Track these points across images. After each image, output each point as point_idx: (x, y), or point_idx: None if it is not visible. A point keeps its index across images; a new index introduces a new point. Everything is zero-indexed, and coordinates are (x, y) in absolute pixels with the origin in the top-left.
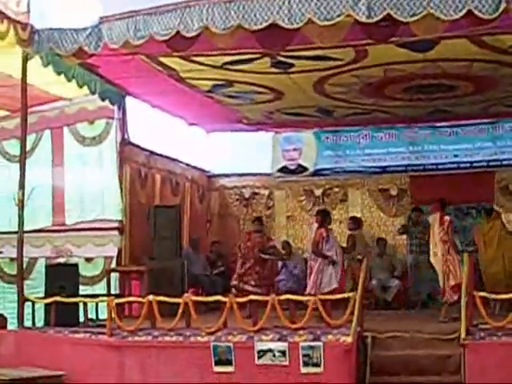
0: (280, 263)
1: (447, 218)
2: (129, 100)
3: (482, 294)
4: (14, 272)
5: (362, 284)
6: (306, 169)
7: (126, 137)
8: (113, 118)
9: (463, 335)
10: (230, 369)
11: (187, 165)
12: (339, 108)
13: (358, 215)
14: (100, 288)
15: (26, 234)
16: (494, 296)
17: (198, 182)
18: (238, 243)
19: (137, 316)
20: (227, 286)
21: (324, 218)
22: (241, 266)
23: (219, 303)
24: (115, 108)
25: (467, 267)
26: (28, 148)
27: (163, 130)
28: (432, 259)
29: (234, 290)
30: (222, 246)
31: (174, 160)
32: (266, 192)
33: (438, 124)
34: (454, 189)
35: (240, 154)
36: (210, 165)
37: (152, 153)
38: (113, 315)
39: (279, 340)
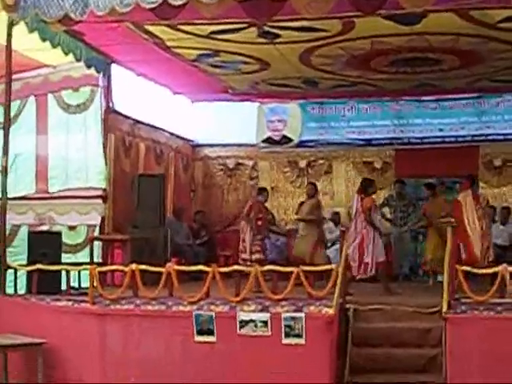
0: None
1: (480, 193)
2: (114, 68)
3: (465, 268)
4: None
5: (344, 256)
6: (290, 140)
7: (110, 105)
8: (98, 86)
9: (445, 309)
10: (211, 338)
11: (171, 134)
12: (325, 80)
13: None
14: (83, 256)
15: (9, 201)
16: (476, 270)
17: (182, 151)
18: (242, 214)
19: (119, 285)
20: (210, 255)
21: (370, 186)
22: (252, 238)
23: (202, 273)
24: (100, 76)
25: (450, 241)
26: (12, 114)
27: (148, 98)
28: (473, 236)
29: (242, 263)
30: (205, 216)
31: (158, 129)
32: (250, 163)
33: (424, 98)
34: (438, 163)
35: (225, 124)
36: (195, 134)
37: (136, 121)
38: (95, 283)
39: (261, 311)
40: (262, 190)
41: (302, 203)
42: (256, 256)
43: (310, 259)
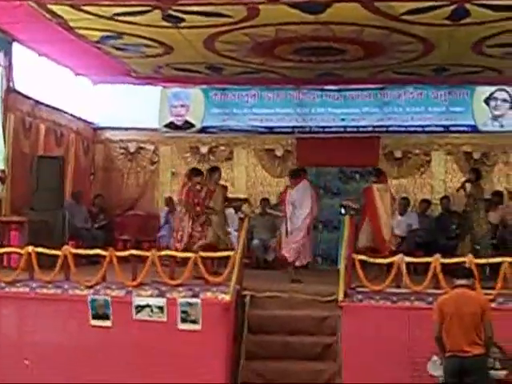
0: (162, 219)
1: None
2: (15, 47)
3: (361, 257)
4: None
5: (242, 243)
6: (192, 125)
7: (11, 85)
8: None
9: (340, 297)
10: (107, 323)
11: (73, 116)
12: (229, 66)
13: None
14: None
15: None
16: (372, 260)
17: (83, 133)
18: (178, 200)
19: (16, 267)
20: (109, 239)
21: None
22: (191, 225)
23: (99, 257)
24: (1, 54)
25: (348, 230)
26: None
27: (50, 79)
28: (384, 225)
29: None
30: (104, 200)
31: (59, 110)
32: (152, 147)
33: (327, 87)
34: (339, 152)
35: (127, 108)
36: (96, 117)
37: (37, 102)
38: None
39: (158, 296)
40: (195, 170)
41: None
42: (200, 243)
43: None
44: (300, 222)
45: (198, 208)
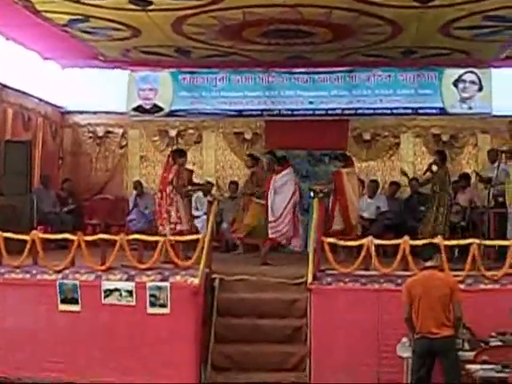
0: (131, 203)
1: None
2: None
3: (330, 240)
4: None
5: (210, 226)
6: (161, 109)
7: None
8: None
9: (309, 280)
10: (75, 307)
11: (40, 100)
12: (197, 49)
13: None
14: None
15: None
16: (342, 243)
17: (51, 118)
18: (163, 183)
19: None
20: (78, 223)
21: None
22: (176, 210)
23: (68, 241)
24: None
25: (317, 213)
26: None
27: (17, 63)
28: (352, 209)
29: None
30: (73, 184)
31: (27, 94)
32: (120, 131)
33: (296, 70)
34: (308, 135)
35: (95, 92)
36: (64, 101)
37: (4, 86)
38: None
39: (127, 280)
40: (179, 151)
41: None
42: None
43: None
44: (281, 208)
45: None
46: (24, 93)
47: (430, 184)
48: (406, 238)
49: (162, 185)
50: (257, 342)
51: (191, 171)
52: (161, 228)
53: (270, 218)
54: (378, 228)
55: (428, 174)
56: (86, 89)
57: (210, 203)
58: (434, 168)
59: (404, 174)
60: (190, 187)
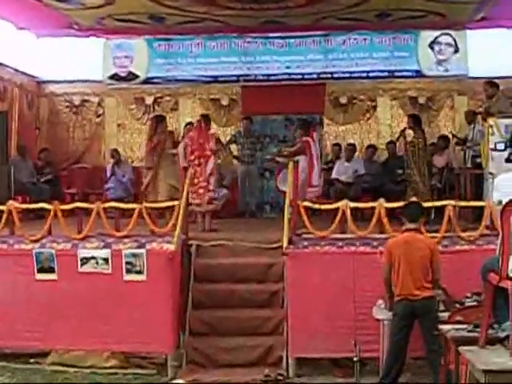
0: (109, 172)
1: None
2: None
3: (306, 203)
4: None
5: (186, 192)
6: (137, 76)
7: None
8: None
9: (285, 244)
10: (52, 276)
11: (16, 70)
12: (172, 16)
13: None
14: None
15: None
16: (317, 206)
17: (26, 88)
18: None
19: None
20: (55, 193)
21: None
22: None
23: (45, 211)
24: None
25: (292, 176)
26: None
27: None
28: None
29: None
30: (50, 154)
31: (1, 65)
32: (97, 99)
33: (271, 35)
34: (285, 100)
35: (70, 61)
36: (40, 71)
37: None
38: None
39: (103, 248)
40: (161, 120)
41: None
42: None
43: None
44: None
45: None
46: None
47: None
48: (382, 200)
49: (199, 151)
50: (234, 307)
51: (172, 132)
52: (195, 196)
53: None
54: (356, 191)
55: (401, 139)
56: (62, 58)
57: (185, 169)
58: (410, 133)
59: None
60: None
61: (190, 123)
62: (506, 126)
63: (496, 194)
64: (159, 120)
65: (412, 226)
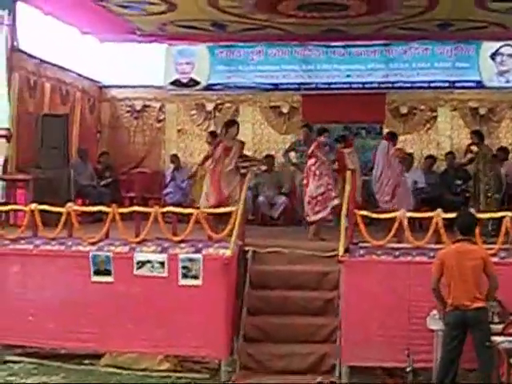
0: (168, 177)
1: None
2: (20, 6)
3: (363, 212)
4: None
5: (243, 198)
6: (198, 83)
7: (15, 43)
8: (2, 24)
9: (341, 252)
10: (108, 279)
11: (79, 75)
12: (233, 23)
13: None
14: None
15: None
16: (374, 215)
17: (89, 92)
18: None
19: (22, 225)
20: (115, 196)
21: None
22: None
23: (104, 214)
24: (5, 13)
25: (349, 185)
26: None
27: (55, 37)
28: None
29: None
30: (110, 158)
31: (64, 69)
32: (158, 105)
33: (332, 43)
34: (345, 108)
35: (133, 66)
36: (102, 75)
37: (42, 61)
38: None
39: (160, 252)
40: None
41: None
42: None
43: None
44: None
45: None
46: (62, 67)
47: (472, 163)
48: (439, 210)
49: None
50: (288, 314)
51: (243, 143)
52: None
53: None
54: (415, 201)
55: (469, 154)
56: (124, 63)
57: (243, 176)
58: (474, 149)
59: None
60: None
61: (213, 132)
62: None
63: None
64: (231, 125)
65: (464, 236)
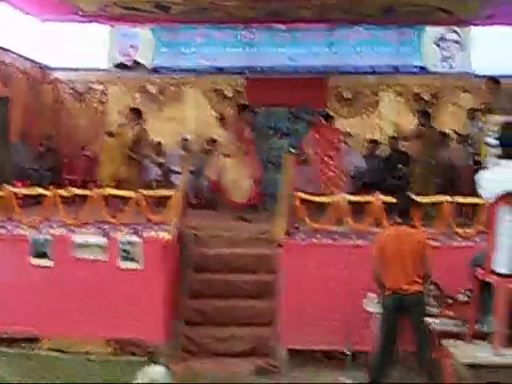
0: None
1: None
2: None
3: (302, 195)
4: None
5: (183, 181)
6: (142, 65)
7: None
8: None
9: (281, 236)
10: (47, 262)
11: (20, 56)
12: (176, 5)
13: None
14: None
15: None
16: (313, 198)
17: (30, 73)
18: None
19: None
20: (56, 179)
21: None
22: None
23: (44, 197)
24: None
25: (287, 168)
26: None
27: None
28: None
29: None
30: (53, 141)
31: (4, 50)
32: (101, 87)
33: (276, 27)
34: (288, 92)
35: (76, 48)
36: (45, 57)
37: None
38: None
39: (99, 235)
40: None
41: None
42: None
43: None
44: None
45: None
46: (2, 48)
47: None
48: (378, 194)
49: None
50: (229, 297)
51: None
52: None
53: None
54: (357, 185)
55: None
56: (67, 45)
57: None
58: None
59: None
60: None
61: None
62: None
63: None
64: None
65: (402, 219)
